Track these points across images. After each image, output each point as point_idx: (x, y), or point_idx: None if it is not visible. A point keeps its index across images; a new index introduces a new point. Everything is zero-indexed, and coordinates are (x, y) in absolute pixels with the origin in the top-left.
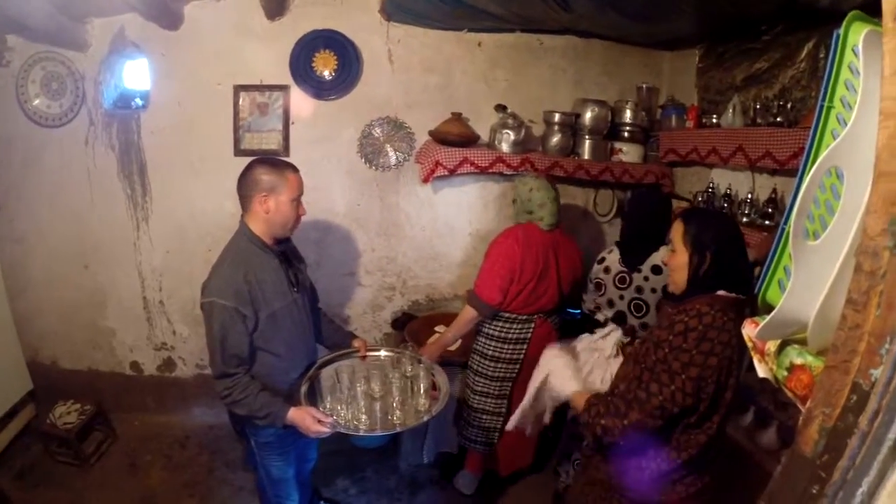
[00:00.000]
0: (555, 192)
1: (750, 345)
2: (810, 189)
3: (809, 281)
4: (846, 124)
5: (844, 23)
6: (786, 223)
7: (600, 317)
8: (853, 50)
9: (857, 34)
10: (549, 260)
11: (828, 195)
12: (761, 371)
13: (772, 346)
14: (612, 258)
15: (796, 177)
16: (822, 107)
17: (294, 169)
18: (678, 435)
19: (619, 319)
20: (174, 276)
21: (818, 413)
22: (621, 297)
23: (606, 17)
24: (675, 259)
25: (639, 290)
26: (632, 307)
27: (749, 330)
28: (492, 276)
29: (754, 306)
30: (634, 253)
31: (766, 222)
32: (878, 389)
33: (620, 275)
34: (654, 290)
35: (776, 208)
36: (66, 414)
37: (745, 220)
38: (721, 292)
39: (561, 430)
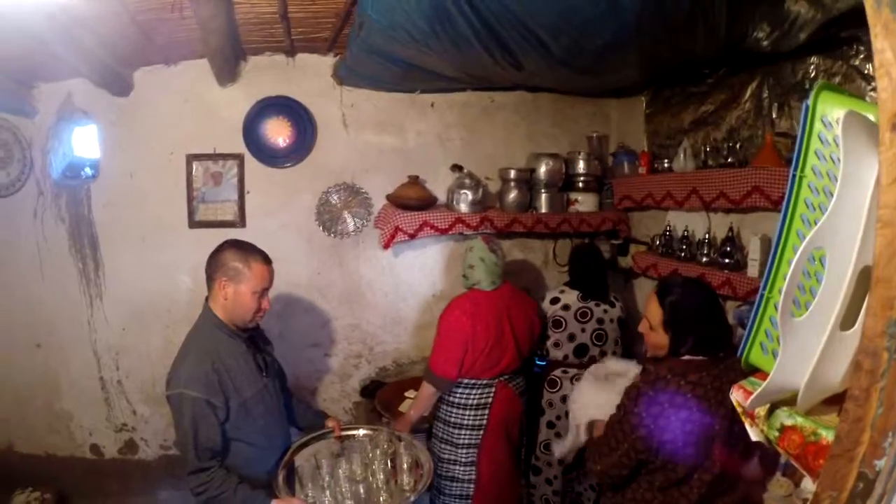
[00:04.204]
0: (490, 251)
1: (739, 409)
2: (795, 274)
3: (797, 353)
4: (818, 192)
5: (813, 94)
6: (764, 289)
7: (559, 353)
8: (822, 120)
9: (825, 104)
10: (501, 323)
11: (816, 266)
12: (753, 434)
13: (761, 409)
14: (570, 297)
15: (749, 215)
16: (794, 176)
17: (264, 260)
18: (642, 476)
19: (580, 351)
20: (132, 354)
21: (826, 496)
22: (583, 330)
23: (556, 73)
24: (653, 338)
25: (600, 321)
26: (594, 337)
27: (738, 396)
28: (444, 351)
29: (726, 362)
30: (595, 290)
31: (726, 260)
32: (883, 477)
33: (582, 310)
34: (612, 321)
35: (734, 246)
36: (26, 503)
37: (704, 259)
38: (686, 357)
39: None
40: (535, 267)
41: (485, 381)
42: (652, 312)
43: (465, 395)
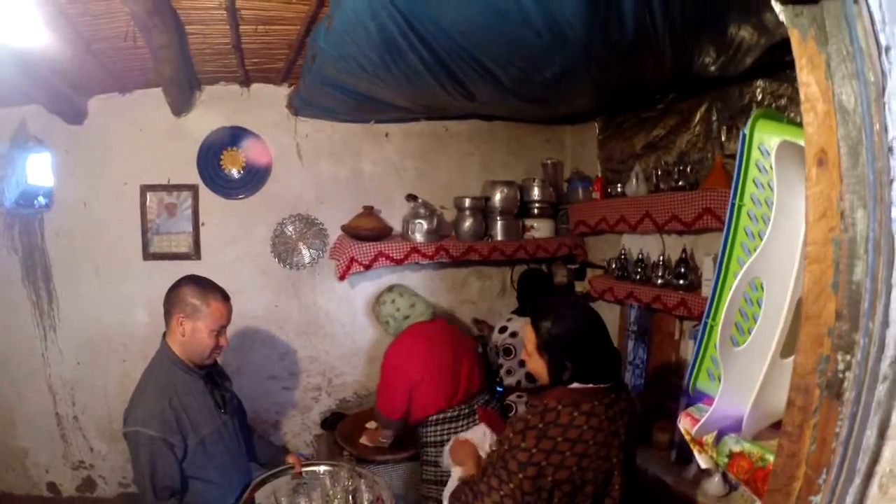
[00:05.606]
0: (411, 289)
1: (688, 438)
2: (733, 304)
3: (740, 380)
4: (757, 220)
5: (749, 123)
6: (707, 317)
7: (512, 380)
8: (759, 148)
9: (762, 132)
10: (452, 345)
11: (759, 293)
12: (702, 462)
13: (709, 437)
14: (517, 324)
15: (702, 236)
16: (733, 205)
17: (223, 297)
18: None
19: (532, 376)
20: (88, 389)
21: None
22: None
23: (508, 102)
24: (530, 364)
25: None
26: None
27: (686, 424)
28: (388, 392)
29: (617, 391)
30: None
31: (681, 281)
32: None
33: None
34: None
35: (688, 267)
36: None
37: (660, 281)
38: (575, 384)
39: None
40: (492, 295)
41: (466, 410)
42: (527, 336)
43: (448, 430)
